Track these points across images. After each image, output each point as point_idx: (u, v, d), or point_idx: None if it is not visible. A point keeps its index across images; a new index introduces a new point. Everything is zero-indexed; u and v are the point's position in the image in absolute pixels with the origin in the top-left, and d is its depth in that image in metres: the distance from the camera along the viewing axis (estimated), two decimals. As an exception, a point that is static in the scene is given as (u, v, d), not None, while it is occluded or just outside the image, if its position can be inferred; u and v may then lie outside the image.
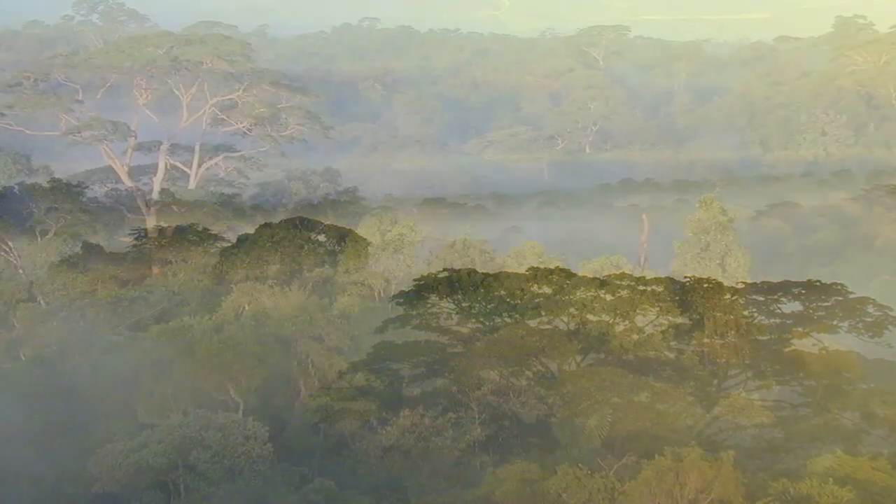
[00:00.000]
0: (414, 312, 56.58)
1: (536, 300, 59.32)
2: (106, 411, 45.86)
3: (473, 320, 57.16)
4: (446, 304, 57.05)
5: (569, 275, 61.01)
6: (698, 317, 58.63)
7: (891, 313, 53.29)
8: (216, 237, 67.83)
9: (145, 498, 40.25)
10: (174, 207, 66.43)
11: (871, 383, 52.14)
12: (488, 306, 59.46)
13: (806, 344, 61.00)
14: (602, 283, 57.97)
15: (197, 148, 69.61)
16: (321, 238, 68.43)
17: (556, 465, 39.69)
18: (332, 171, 77.94)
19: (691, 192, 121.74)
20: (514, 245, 62.94)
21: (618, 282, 56.40)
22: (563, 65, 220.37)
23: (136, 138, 67.35)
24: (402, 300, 55.91)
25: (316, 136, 78.99)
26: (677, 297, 58.19)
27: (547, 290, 59.55)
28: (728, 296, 57.88)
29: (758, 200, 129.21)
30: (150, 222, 68.75)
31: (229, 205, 70.81)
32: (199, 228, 70.61)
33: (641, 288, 55.85)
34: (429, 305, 56.82)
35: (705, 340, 57.78)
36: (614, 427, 47.75)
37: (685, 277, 59.41)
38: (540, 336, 54.10)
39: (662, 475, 35.53)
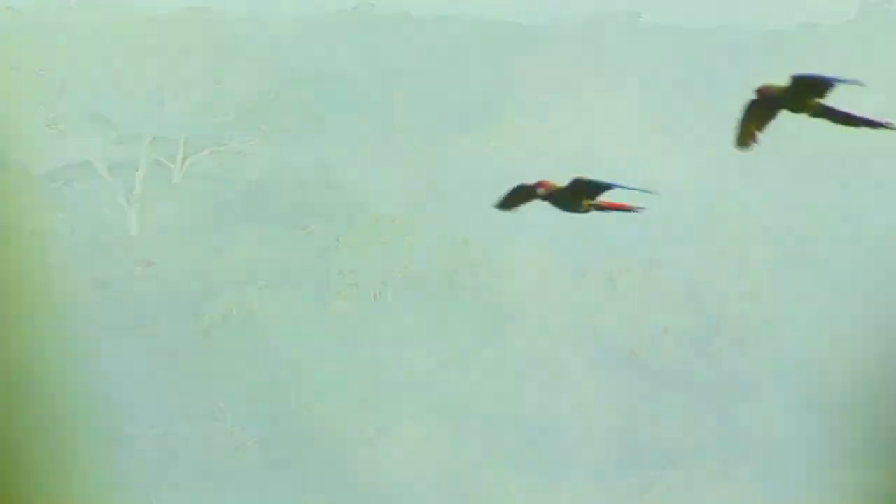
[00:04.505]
0: (412, 315, 56.51)
1: (542, 302, 59.33)
2: (84, 421, 45.81)
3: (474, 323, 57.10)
4: (446, 307, 56.97)
5: (577, 275, 60.98)
6: (715, 319, 58.60)
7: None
8: (202, 235, 67.73)
9: (126, 513, 40.31)
10: (157, 204, 66.24)
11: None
12: (490, 309, 59.45)
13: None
14: (612, 284, 57.93)
15: (182, 141, 69.41)
16: (314, 237, 68.32)
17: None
18: (326, 166, 77.69)
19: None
20: (519, 244, 62.73)
21: (629, 283, 56.30)
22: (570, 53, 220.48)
23: (117, 131, 67.15)
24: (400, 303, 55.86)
25: (308, 129, 78.73)
26: (692, 299, 58.16)
27: (554, 291, 59.53)
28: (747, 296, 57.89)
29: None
30: (132, 220, 68.67)
31: (216, 201, 70.67)
32: (184, 226, 70.58)
33: (654, 289, 55.76)
34: (428, 308, 56.73)
35: (722, 345, 57.76)
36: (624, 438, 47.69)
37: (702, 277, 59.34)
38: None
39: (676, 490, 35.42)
